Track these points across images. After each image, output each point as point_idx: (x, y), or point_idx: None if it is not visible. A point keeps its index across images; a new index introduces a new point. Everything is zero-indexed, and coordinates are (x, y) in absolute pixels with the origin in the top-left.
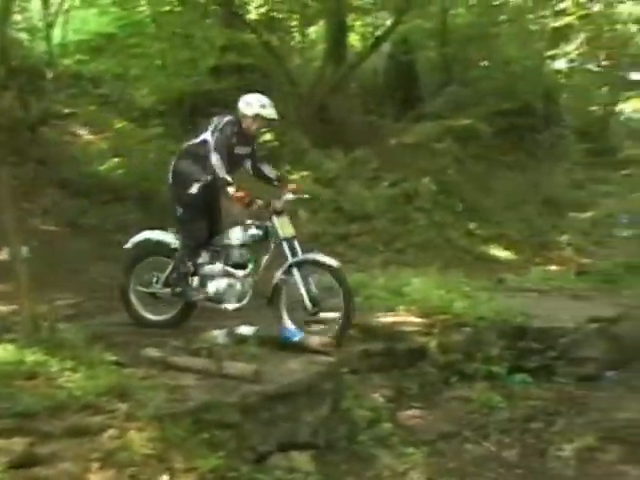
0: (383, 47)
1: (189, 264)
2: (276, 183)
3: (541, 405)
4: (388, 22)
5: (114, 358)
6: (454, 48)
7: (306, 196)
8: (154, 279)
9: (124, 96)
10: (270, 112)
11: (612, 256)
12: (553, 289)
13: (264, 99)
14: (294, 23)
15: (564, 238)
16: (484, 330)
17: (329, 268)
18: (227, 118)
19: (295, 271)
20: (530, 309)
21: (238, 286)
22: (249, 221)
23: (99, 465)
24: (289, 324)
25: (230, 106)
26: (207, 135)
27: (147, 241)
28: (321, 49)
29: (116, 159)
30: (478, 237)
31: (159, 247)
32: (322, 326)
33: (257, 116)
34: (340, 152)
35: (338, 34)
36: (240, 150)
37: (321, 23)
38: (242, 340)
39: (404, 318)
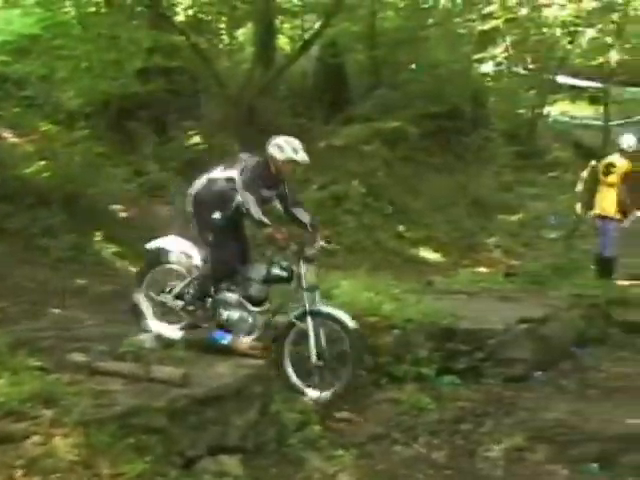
0: (312, 50)
1: (210, 287)
2: (310, 229)
3: (470, 406)
4: (317, 25)
5: (39, 364)
6: (383, 51)
7: (337, 247)
8: (168, 288)
9: (50, 98)
10: (303, 157)
11: (540, 257)
12: (481, 291)
13: (296, 143)
14: (222, 25)
15: (492, 240)
16: (413, 332)
17: (345, 328)
18: (257, 160)
19: (309, 320)
20: (458, 311)
21: (250, 320)
22: (276, 258)
23: (23, 472)
24: (289, 370)
25: (156, 108)
26: (234, 173)
27: (171, 248)
28: (250, 52)
29: (42, 162)
30: (407, 239)
31: (184, 257)
32: (322, 380)
33: (289, 161)
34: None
35: (266, 37)
36: (266, 193)
37: (249, 25)
38: (169, 344)
39: None
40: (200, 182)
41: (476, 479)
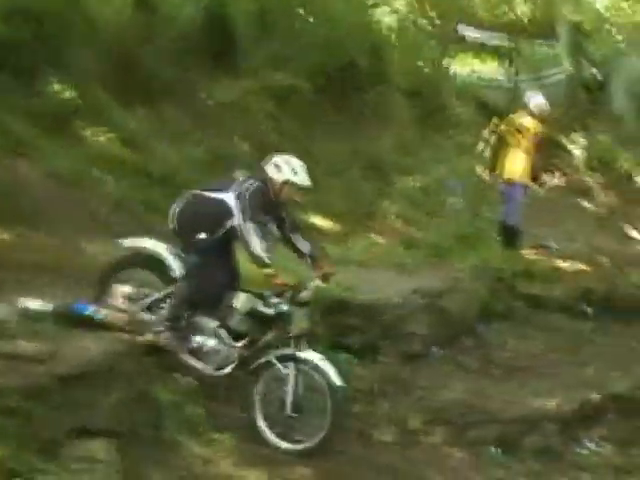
0: None
1: (185, 312)
2: (308, 261)
3: (364, 386)
4: None
5: None
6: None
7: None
8: (141, 296)
9: None
10: (303, 179)
11: (441, 226)
12: (378, 261)
13: (295, 162)
14: None
15: (390, 206)
16: None
17: (329, 383)
18: (258, 184)
19: (291, 366)
20: (354, 283)
21: (224, 353)
22: (266, 293)
23: None
24: (257, 414)
25: (23, 58)
26: (228, 197)
27: (148, 251)
28: None
29: None
30: (296, 205)
31: (159, 266)
32: (293, 432)
33: (287, 183)
34: (148, 110)
35: None
36: (262, 219)
37: None
38: (36, 317)
39: None
40: (185, 198)
41: (370, 465)
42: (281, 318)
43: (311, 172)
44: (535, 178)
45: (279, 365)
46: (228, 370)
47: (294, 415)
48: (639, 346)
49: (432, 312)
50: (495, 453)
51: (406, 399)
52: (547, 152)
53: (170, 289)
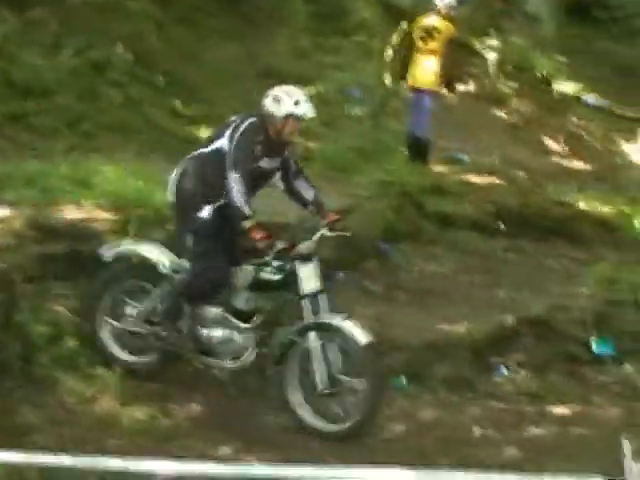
0: None
1: (184, 306)
2: (311, 209)
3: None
4: None
5: None
6: None
7: (347, 234)
8: (132, 311)
9: None
10: (307, 110)
11: (342, 138)
12: None
13: (297, 92)
14: None
15: None
16: None
17: (356, 343)
18: (250, 120)
19: (312, 336)
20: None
21: (237, 340)
22: (267, 258)
23: None
24: (294, 399)
25: None
26: (223, 142)
27: (132, 257)
28: None
29: None
30: (184, 117)
31: (145, 269)
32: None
33: (290, 117)
34: (10, 11)
35: None
36: (266, 163)
37: None
38: None
39: (93, 214)
40: (185, 161)
41: (265, 399)
42: (289, 281)
43: (199, 81)
44: (446, 85)
45: (299, 340)
46: (248, 357)
47: (331, 391)
48: (556, 264)
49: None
50: (402, 383)
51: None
52: (458, 57)
53: (163, 289)
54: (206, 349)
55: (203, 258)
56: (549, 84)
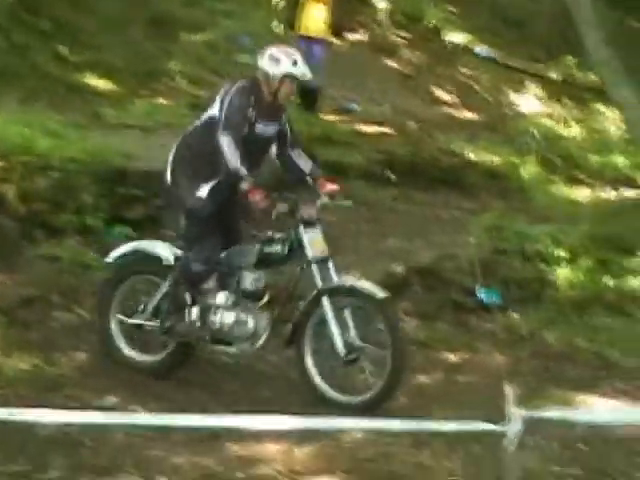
0: None
1: (186, 294)
2: (309, 179)
3: None
4: None
5: None
6: None
7: (348, 203)
8: (140, 306)
9: None
10: (305, 71)
11: None
12: (161, 126)
13: (294, 52)
14: None
15: (175, 66)
16: (75, 174)
17: (372, 300)
18: (241, 83)
19: (326, 302)
20: (133, 149)
21: (250, 322)
22: (269, 232)
23: None
24: (313, 372)
25: None
26: (214, 110)
27: (135, 254)
28: None
29: None
30: (70, 63)
31: (150, 263)
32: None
33: (287, 77)
34: None
35: None
36: (263, 129)
37: None
38: None
39: None
40: (180, 139)
41: None
42: (295, 252)
43: (87, 27)
44: (336, 34)
45: (312, 309)
46: (264, 338)
47: (352, 357)
48: (444, 214)
49: None
50: None
51: None
52: (349, 6)
53: (168, 281)
54: (219, 337)
55: (198, 240)
56: (439, 34)
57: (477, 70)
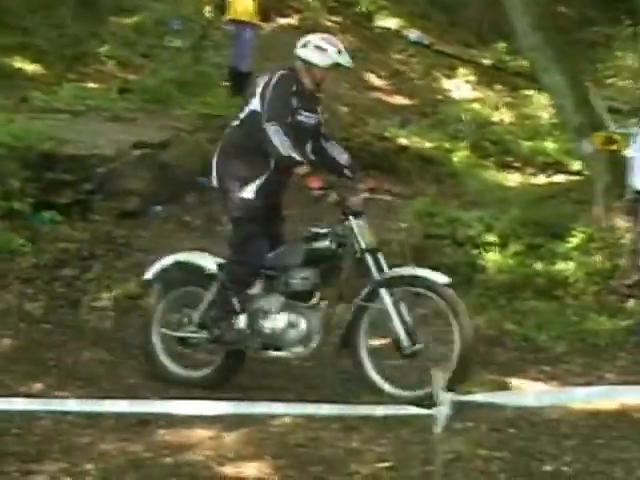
0: None
1: (234, 299)
2: (348, 173)
3: (74, 248)
4: None
5: None
6: None
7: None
8: (185, 319)
9: None
10: (349, 59)
11: (162, 71)
12: (90, 110)
13: (337, 41)
14: None
15: (104, 49)
16: (3, 159)
17: (436, 288)
18: (280, 72)
19: (384, 294)
20: (61, 133)
21: (303, 324)
22: (314, 229)
23: None
24: (374, 374)
25: None
26: (255, 103)
27: (176, 266)
28: None
29: None
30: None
31: (191, 274)
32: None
33: (332, 67)
34: None
35: None
36: (306, 118)
37: None
38: None
39: None
40: (221, 142)
41: (80, 333)
42: (345, 245)
43: (13, 8)
44: (265, 18)
45: (369, 303)
46: (318, 340)
47: (415, 348)
48: (376, 199)
49: (151, 166)
50: None
51: (121, 262)
52: None
53: (213, 290)
54: (270, 342)
55: (245, 244)
56: (372, 19)
57: (409, 55)
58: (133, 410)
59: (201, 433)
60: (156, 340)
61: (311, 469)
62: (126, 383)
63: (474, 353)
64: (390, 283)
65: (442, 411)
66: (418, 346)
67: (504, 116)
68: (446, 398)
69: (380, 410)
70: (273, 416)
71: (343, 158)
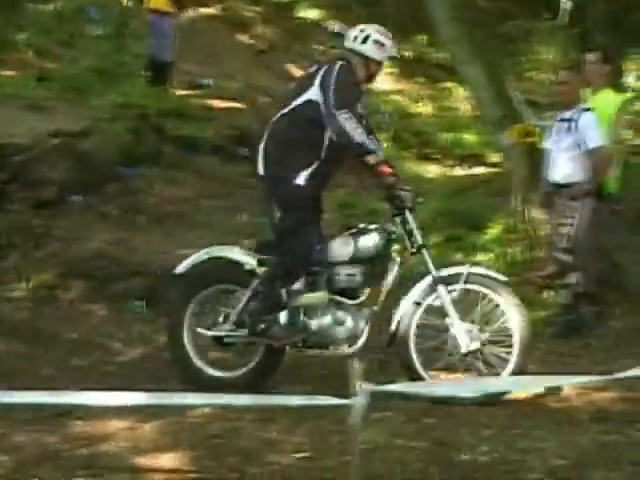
0: None
1: (282, 291)
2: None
3: None
4: None
5: None
6: None
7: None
8: (221, 317)
9: None
10: (396, 51)
11: (80, 59)
12: (7, 98)
13: (389, 33)
14: None
15: (22, 37)
16: None
17: (494, 285)
18: (341, 63)
19: (442, 290)
20: None
21: (349, 322)
22: (361, 225)
23: None
24: (425, 375)
25: None
26: (313, 92)
27: (212, 261)
28: None
29: None
30: None
31: (229, 270)
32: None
33: (386, 60)
34: None
35: None
36: (360, 109)
37: None
38: None
39: None
40: (270, 126)
41: None
42: (389, 242)
43: None
44: (181, 7)
45: (423, 301)
46: (364, 339)
47: (476, 347)
48: None
49: (69, 155)
50: (140, 307)
51: (38, 251)
52: None
53: (253, 286)
54: (314, 339)
55: (297, 233)
56: (293, 10)
57: (331, 47)
58: (49, 401)
59: (117, 424)
60: (187, 341)
61: (228, 460)
62: (42, 375)
63: (532, 350)
64: (448, 280)
65: (359, 401)
66: (475, 344)
67: (425, 108)
68: (363, 388)
69: (296, 400)
70: (190, 407)
71: (381, 150)
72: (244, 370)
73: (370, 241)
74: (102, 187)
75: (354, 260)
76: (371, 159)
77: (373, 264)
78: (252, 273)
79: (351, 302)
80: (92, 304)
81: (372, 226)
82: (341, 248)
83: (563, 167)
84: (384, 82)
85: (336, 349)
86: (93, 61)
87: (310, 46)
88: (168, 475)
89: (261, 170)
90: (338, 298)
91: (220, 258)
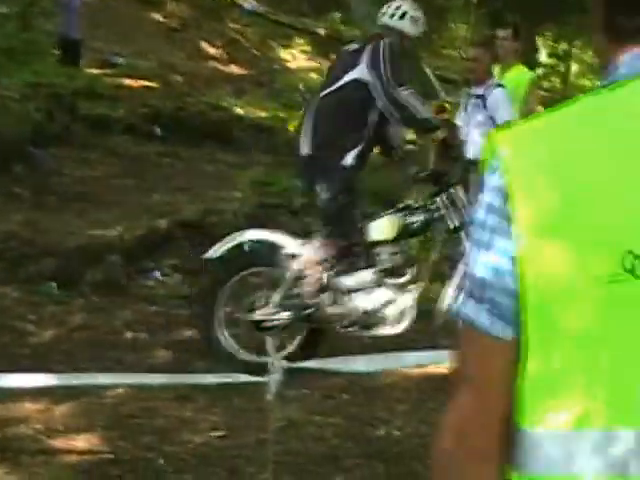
0: None
1: (326, 274)
2: (400, 154)
3: None
4: None
5: None
6: None
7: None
8: (260, 301)
9: None
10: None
11: None
12: None
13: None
14: None
15: None
16: None
17: None
18: (389, 40)
19: None
20: None
21: (396, 303)
22: (406, 202)
23: None
24: None
25: None
26: (360, 71)
27: (248, 245)
28: None
29: None
30: None
31: (269, 253)
32: None
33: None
34: None
35: None
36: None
37: None
38: None
39: None
40: (315, 104)
41: None
42: (434, 220)
43: None
44: None
45: None
46: (409, 320)
47: None
48: (211, 168)
49: None
50: (52, 289)
51: None
52: None
53: (296, 269)
54: (360, 320)
55: (342, 214)
56: None
57: (245, 25)
58: None
59: (30, 406)
60: (220, 325)
61: (143, 439)
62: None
63: None
64: None
65: (274, 378)
66: None
67: None
68: (278, 365)
69: (211, 378)
70: (105, 387)
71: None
72: (283, 354)
73: (415, 218)
74: (11, 168)
75: (399, 238)
76: (439, 134)
77: (418, 243)
78: (294, 256)
79: (397, 282)
80: (3, 286)
81: (417, 204)
82: (386, 227)
83: (476, 144)
84: (299, 60)
85: (380, 330)
86: (1, 40)
87: (224, 24)
88: (83, 456)
89: (308, 149)
90: (384, 278)
91: (258, 241)
